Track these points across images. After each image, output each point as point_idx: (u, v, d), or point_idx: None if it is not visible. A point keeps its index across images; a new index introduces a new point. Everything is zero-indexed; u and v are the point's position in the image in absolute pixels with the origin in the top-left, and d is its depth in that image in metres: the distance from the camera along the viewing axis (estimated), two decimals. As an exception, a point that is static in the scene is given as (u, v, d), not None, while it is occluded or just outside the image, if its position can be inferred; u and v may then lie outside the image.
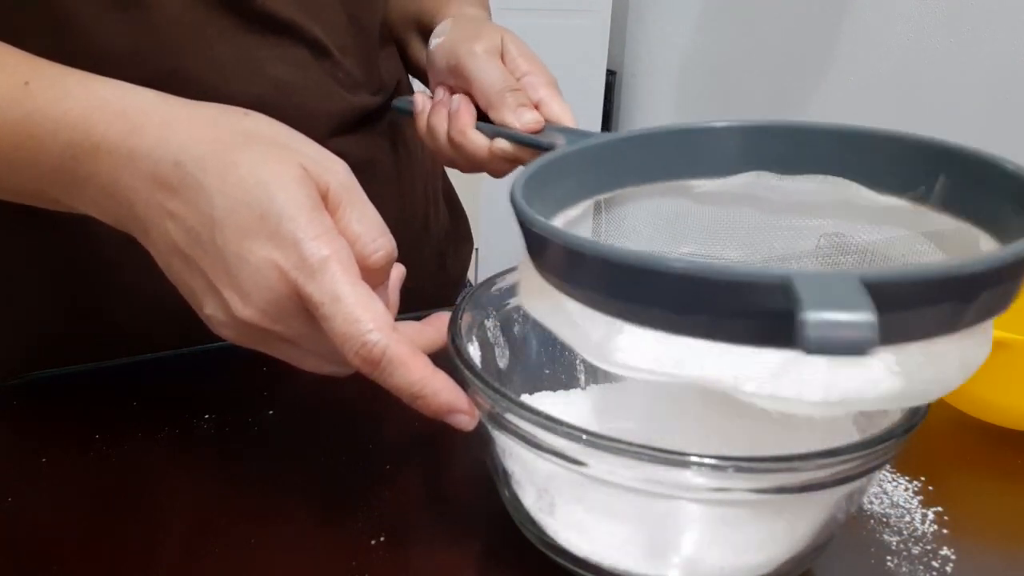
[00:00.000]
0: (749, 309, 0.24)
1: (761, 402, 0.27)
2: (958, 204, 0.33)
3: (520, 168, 0.38)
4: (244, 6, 0.48)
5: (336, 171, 0.34)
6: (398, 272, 0.37)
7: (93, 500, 0.38)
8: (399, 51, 0.64)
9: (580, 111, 2.09)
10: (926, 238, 0.35)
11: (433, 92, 0.53)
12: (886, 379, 0.26)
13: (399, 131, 0.62)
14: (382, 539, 0.36)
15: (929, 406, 0.30)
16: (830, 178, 0.37)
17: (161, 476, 0.40)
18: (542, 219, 0.29)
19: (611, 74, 2.10)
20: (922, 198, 0.35)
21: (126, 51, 0.45)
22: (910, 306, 0.24)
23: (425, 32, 0.58)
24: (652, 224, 0.41)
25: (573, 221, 0.38)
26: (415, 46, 0.62)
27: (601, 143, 0.40)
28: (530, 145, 0.46)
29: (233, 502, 0.38)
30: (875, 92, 1.55)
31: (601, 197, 0.39)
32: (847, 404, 0.27)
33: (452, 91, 0.51)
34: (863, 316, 0.21)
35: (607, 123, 2.12)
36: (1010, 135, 1.33)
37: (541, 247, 0.30)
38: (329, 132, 0.54)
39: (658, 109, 2.12)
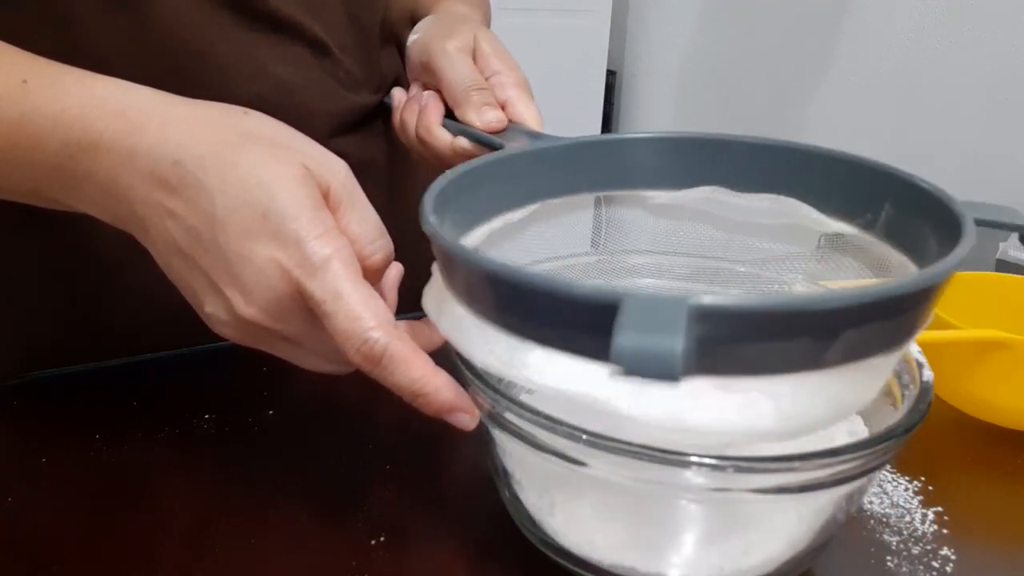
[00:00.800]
0: (593, 325, 0.24)
1: (628, 422, 0.26)
2: (898, 235, 0.33)
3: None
4: (245, 5, 0.48)
5: (337, 171, 0.34)
6: (397, 270, 0.37)
7: (93, 500, 0.38)
8: (397, 47, 0.64)
9: (580, 111, 2.10)
10: (870, 270, 0.35)
11: (409, 88, 0.53)
12: (746, 413, 0.26)
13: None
14: (382, 539, 0.36)
15: (930, 406, 0.30)
16: (783, 198, 0.37)
17: (161, 476, 0.40)
18: (432, 222, 0.30)
19: (611, 74, 2.10)
20: (869, 225, 0.35)
21: (127, 50, 0.45)
22: (755, 339, 0.24)
23: None
24: (611, 231, 0.42)
25: (516, 224, 0.39)
26: None
27: (545, 148, 0.40)
28: (487, 145, 0.45)
29: (233, 502, 0.38)
30: (875, 92, 1.55)
31: (551, 202, 0.40)
32: (708, 434, 0.26)
33: (425, 87, 0.51)
34: (671, 342, 0.21)
35: (607, 123, 2.12)
36: (1010, 135, 1.33)
37: (438, 253, 0.31)
38: (329, 132, 0.54)
39: (658, 109, 2.12)
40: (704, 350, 0.22)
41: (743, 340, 0.24)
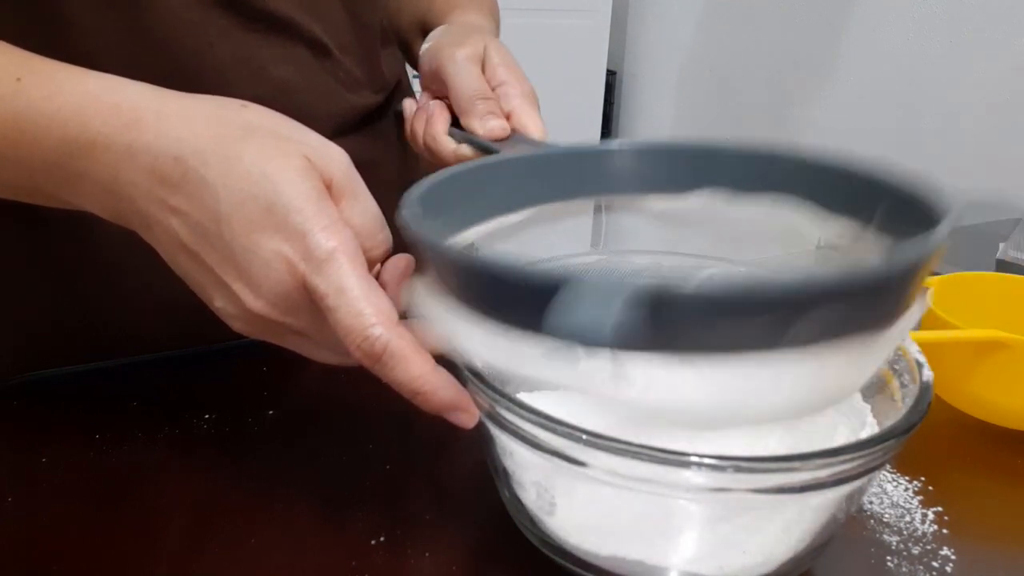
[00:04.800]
0: (541, 303, 0.24)
1: (596, 400, 0.26)
2: (894, 234, 0.33)
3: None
4: (242, 4, 0.48)
5: (340, 161, 0.34)
6: (406, 262, 0.37)
7: (93, 500, 0.38)
8: (409, 54, 0.64)
9: (580, 111, 2.10)
10: None
11: (422, 96, 0.54)
12: (693, 389, 0.25)
13: (400, 131, 0.62)
14: (382, 539, 0.36)
15: (930, 406, 0.30)
16: (779, 202, 0.38)
17: (161, 476, 0.40)
18: (403, 215, 0.31)
19: (611, 74, 2.10)
20: (866, 225, 0.35)
21: (123, 51, 0.45)
22: (701, 321, 0.24)
23: None
24: (609, 236, 0.42)
25: (513, 227, 0.39)
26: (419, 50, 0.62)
27: (539, 154, 0.41)
28: (489, 153, 0.46)
29: (233, 502, 0.38)
30: (875, 91, 1.55)
31: (549, 207, 0.40)
32: (662, 412, 0.26)
33: (435, 96, 0.51)
34: (603, 313, 0.22)
35: (607, 123, 2.12)
36: (1010, 135, 1.33)
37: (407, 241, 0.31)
38: (331, 133, 0.54)
39: (658, 109, 2.12)
40: (650, 329, 0.23)
41: (698, 317, 0.24)
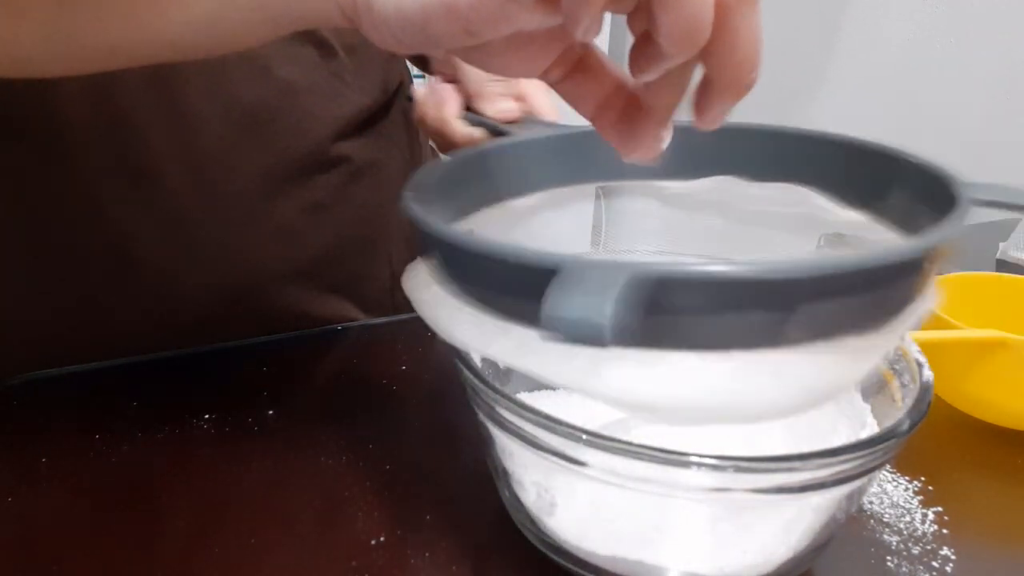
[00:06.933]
0: (536, 291, 0.22)
1: (583, 394, 0.25)
2: (910, 221, 0.33)
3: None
4: None
5: None
6: None
7: (93, 500, 0.38)
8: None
9: (579, 112, 2.08)
10: None
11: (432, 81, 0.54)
12: (686, 387, 0.24)
13: (404, 131, 0.62)
14: (382, 539, 0.36)
15: (930, 406, 0.30)
16: (794, 187, 0.37)
17: (161, 476, 0.40)
18: (406, 196, 0.30)
19: (611, 74, 2.09)
20: (881, 212, 0.34)
21: None
22: (705, 309, 0.22)
23: None
24: (622, 220, 0.41)
25: (522, 211, 0.39)
26: None
27: (551, 136, 0.40)
28: (502, 136, 0.45)
29: (233, 502, 0.38)
30: (875, 91, 1.55)
31: (561, 190, 0.40)
32: (659, 410, 0.24)
33: (447, 80, 0.51)
34: (599, 304, 0.20)
35: (607, 123, 2.12)
36: (1010, 134, 1.33)
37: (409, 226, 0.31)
38: (334, 135, 0.54)
39: (658, 109, 2.12)
40: (650, 321, 0.21)
41: (693, 311, 0.22)
